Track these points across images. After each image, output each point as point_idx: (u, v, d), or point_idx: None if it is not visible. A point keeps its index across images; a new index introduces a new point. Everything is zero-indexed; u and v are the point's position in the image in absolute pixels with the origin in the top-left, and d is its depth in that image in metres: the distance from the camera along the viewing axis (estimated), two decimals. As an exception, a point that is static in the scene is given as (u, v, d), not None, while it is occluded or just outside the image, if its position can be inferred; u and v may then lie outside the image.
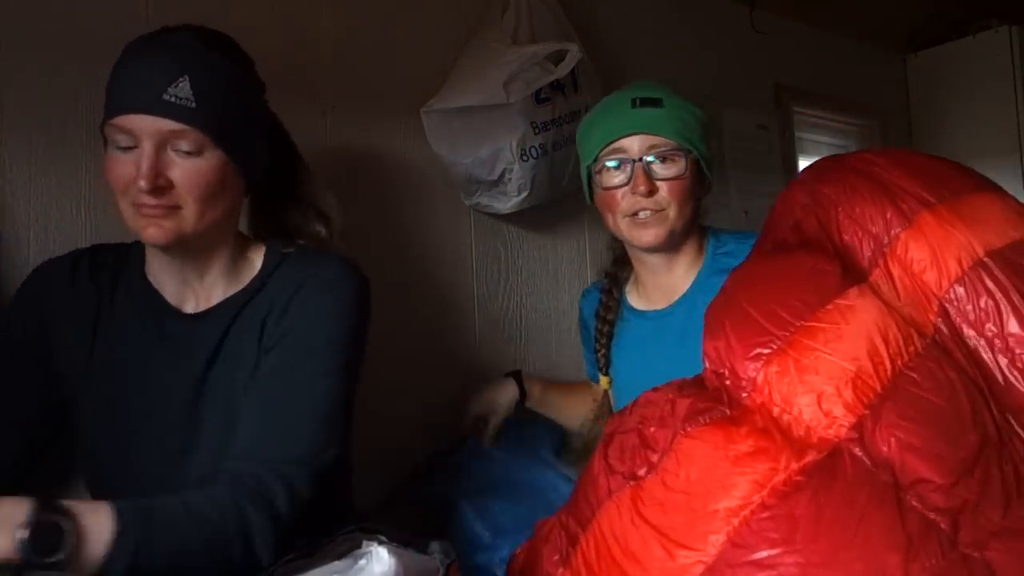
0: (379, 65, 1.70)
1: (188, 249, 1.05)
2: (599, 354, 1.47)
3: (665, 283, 1.40)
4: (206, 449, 1.03)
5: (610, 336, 1.46)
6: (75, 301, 1.08)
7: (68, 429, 1.10)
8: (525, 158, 1.67)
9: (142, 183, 0.94)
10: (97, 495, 1.08)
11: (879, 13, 2.81)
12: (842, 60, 2.89)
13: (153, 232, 0.98)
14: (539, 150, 1.69)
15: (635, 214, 1.31)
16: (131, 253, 1.13)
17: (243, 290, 1.09)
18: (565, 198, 1.91)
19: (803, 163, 2.73)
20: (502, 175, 1.69)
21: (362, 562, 0.81)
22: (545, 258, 1.98)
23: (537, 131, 1.68)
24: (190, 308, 1.09)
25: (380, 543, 0.83)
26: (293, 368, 1.02)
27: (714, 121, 2.37)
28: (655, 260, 1.39)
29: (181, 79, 0.95)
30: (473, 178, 1.72)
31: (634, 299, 1.47)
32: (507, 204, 1.74)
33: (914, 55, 3.13)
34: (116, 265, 1.12)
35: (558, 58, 1.64)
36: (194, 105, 0.95)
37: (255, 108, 1.08)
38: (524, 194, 1.72)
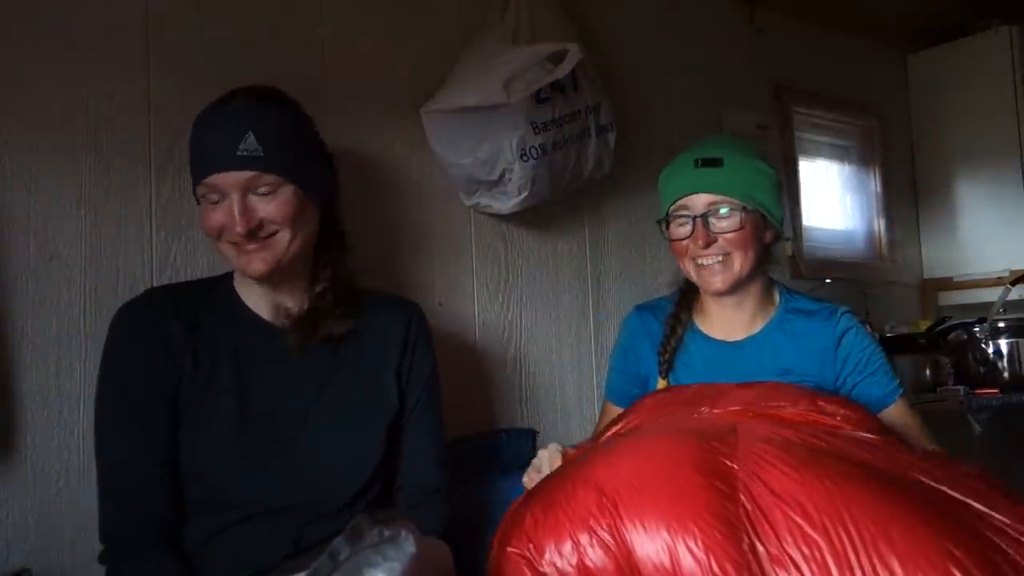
0: (379, 65, 1.70)
1: (282, 276, 1.20)
2: (663, 357, 1.50)
3: (734, 320, 1.50)
4: (317, 441, 1.18)
5: (675, 350, 1.52)
6: (170, 330, 1.16)
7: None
8: (525, 158, 1.67)
9: (238, 228, 1.11)
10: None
11: (879, 13, 2.81)
12: (842, 59, 2.89)
13: (257, 266, 1.14)
14: (539, 150, 1.69)
15: (700, 263, 1.44)
16: (214, 286, 1.25)
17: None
18: (565, 198, 1.91)
19: (803, 163, 2.73)
20: (502, 175, 1.69)
21: (389, 547, 0.82)
22: (545, 258, 1.98)
23: (537, 131, 1.68)
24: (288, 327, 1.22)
25: (407, 528, 0.84)
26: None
27: (720, 126, 2.39)
28: (724, 299, 1.49)
29: (247, 135, 1.11)
30: (473, 178, 1.72)
31: (702, 324, 1.53)
32: (507, 204, 1.74)
33: (914, 55, 3.13)
34: (196, 297, 1.22)
35: (558, 58, 1.64)
36: (262, 153, 1.11)
37: (310, 141, 1.23)
38: (524, 194, 1.72)
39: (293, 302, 1.23)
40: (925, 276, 3.10)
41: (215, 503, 1.13)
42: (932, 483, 0.93)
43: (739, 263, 1.41)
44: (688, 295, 1.55)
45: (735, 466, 0.92)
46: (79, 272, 1.33)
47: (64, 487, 1.28)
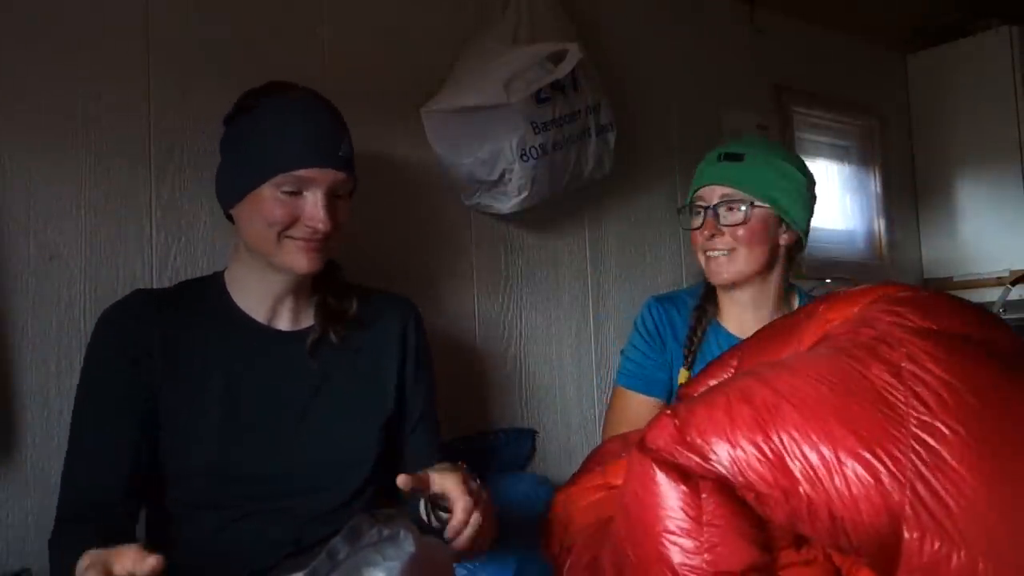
0: (379, 65, 1.70)
1: (308, 278, 1.21)
2: (689, 348, 1.51)
3: (750, 319, 1.51)
4: (313, 441, 1.18)
5: (701, 341, 1.53)
6: (151, 333, 1.14)
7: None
8: (525, 158, 1.67)
9: (321, 226, 1.12)
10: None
11: (879, 13, 2.81)
12: (842, 60, 2.89)
13: (313, 264, 1.15)
14: (539, 150, 1.69)
15: (709, 254, 1.48)
16: (205, 287, 1.23)
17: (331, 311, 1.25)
18: (565, 198, 1.91)
19: (803, 163, 2.73)
20: (502, 175, 1.69)
21: (388, 546, 0.82)
22: (545, 258, 1.98)
23: (537, 131, 1.68)
24: (283, 326, 1.22)
25: (406, 527, 0.84)
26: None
27: (720, 126, 2.39)
28: (738, 296, 1.51)
29: (345, 138, 1.16)
30: (473, 178, 1.72)
31: (723, 320, 1.55)
32: (507, 204, 1.74)
33: (914, 55, 3.13)
34: (185, 299, 1.20)
35: (558, 58, 1.64)
36: (351, 157, 1.16)
37: None
38: (524, 194, 1.72)
39: (293, 304, 1.24)
40: (925, 276, 3.10)
41: (211, 504, 1.13)
42: None
43: (744, 258, 1.44)
44: (712, 289, 1.57)
45: (892, 355, 0.90)
46: (79, 272, 1.33)
47: (64, 487, 1.28)
